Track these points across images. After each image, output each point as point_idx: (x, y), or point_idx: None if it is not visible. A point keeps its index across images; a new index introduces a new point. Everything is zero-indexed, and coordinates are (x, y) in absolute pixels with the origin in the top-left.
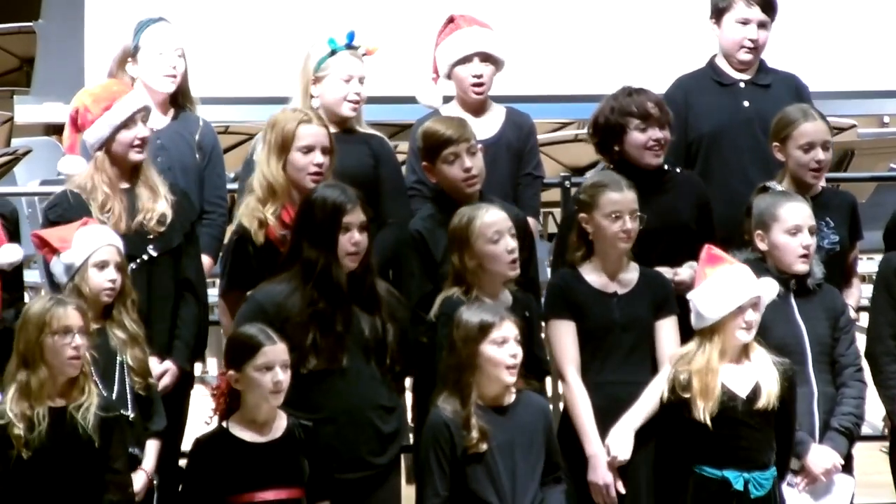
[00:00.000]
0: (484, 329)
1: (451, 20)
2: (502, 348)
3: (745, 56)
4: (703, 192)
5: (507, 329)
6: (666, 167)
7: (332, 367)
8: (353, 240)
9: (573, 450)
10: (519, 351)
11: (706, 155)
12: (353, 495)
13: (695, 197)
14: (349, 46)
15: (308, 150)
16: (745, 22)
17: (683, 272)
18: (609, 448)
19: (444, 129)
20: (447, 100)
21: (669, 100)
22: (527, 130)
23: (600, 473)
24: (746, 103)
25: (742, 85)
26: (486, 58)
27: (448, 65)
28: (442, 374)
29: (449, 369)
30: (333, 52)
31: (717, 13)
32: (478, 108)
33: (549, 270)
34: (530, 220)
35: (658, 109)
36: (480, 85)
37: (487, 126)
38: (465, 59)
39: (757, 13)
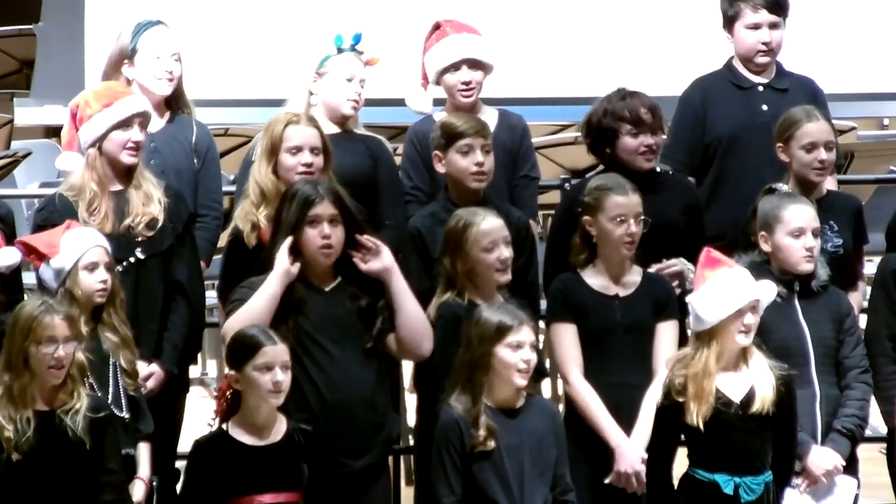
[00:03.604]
0: (501, 331)
1: (437, 27)
2: (516, 353)
3: (762, 59)
4: (694, 194)
5: (524, 334)
6: (658, 169)
7: (304, 356)
8: (322, 233)
9: (585, 449)
10: (533, 357)
11: (723, 157)
12: (343, 489)
13: (685, 199)
14: (354, 48)
15: (296, 150)
16: (756, 26)
17: (676, 263)
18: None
19: (465, 122)
20: (437, 102)
21: (687, 101)
22: (520, 132)
23: (628, 462)
24: (765, 107)
25: (760, 88)
26: (474, 64)
27: (436, 72)
28: (455, 372)
29: (462, 367)
30: (339, 51)
31: (728, 22)
32: (469, 113)
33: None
34: (529, 221)
35: (650, 114)
36: (469, 89)
37: None
38: (454, 67)
39: (765, 16)
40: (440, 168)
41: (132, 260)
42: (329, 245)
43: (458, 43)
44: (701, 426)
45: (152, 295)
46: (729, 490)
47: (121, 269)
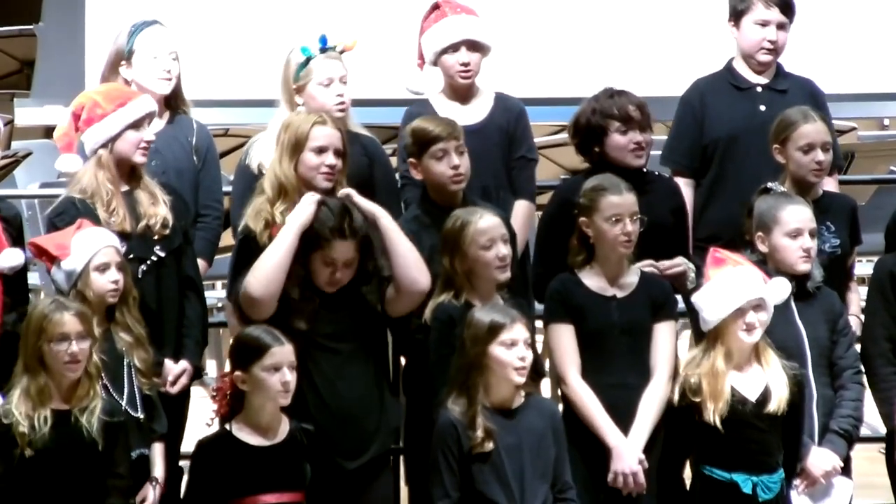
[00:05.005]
0: (494, 330)
1: (436, 6)
2: (511, 350)
3: (764, 57)
4: (680, 196)
5: (518, 331)
6: (645, 169)
7: (305, 356)
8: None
9: (583, 449)
10: (528, 354)
11: (721, 158)
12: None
13: (672, 200)
14: (323, 50)
15: (321, 150)
16: (765, 24)
17: (671, 263)
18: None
19: (434, 126)
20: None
21: (686, 102)
22: (516, 113)
23: (626, 463)
24: (763, 108)
25: (759, 89)
26: (472, 45)
27: (434, 53)
28: (451, 374)
29: (458, 369)
30: (309, 60)
31: (736, 15)
32: (465, 95)
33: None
34: (527, 203)
35: (639, 112)
36: (468, 71)
37: (476, 111)
38: (452, 48)
39: (776, 14)
40: (417, 175)
41: (153, 259)
42: (337, 282)
43: (457, 24)
44: (719, 424)
45: (171, 292)
46: (747, 489)
47: (144, 269)
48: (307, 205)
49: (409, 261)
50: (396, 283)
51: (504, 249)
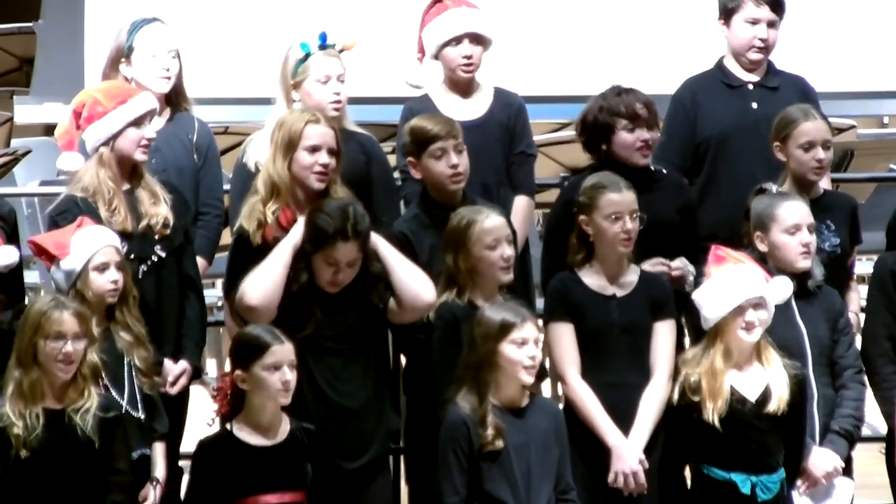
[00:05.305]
0: (505, 328)
1: (437, 0)
2: (521, 349)
3: (755, 56)
4: (688, 193)
5: (528, 330)
6: (653, 167)
7: (308, 359)
8: (335, 267)
9: (583, 449)
10: (538, 353)
11: (714, 157)
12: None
13: (679, 198)
14: (323, 47)
15: (314, 149)
16: (755, 22)
17: (677, 264)
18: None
19: (433, 126)
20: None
21: (678, 101)
22: (516, 108)
23: (626, 462)
24: (755, 105)
25: (750, 87)
26: (475, 38)
27: (436, 45)
28: (460, 371)
29: (468, 366)
30: (308, 56)
31: (726, 13)
32: (466, 89)
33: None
34: (526, 198)
35: (646, 110)
36: (470, 65)
37: (476, 106)
38: (455, 41)
39: (766, 12)
40: (416, 174)
41: (154, 259)
42: (340, 282)
43: (459, 16)
44: (717, 423)
45: (172, 292)
46: (746, 490)
47: (145, 269)
48: (300, 225)
49: (410, 279)
50: (399, 300)
51: (509, 251)
